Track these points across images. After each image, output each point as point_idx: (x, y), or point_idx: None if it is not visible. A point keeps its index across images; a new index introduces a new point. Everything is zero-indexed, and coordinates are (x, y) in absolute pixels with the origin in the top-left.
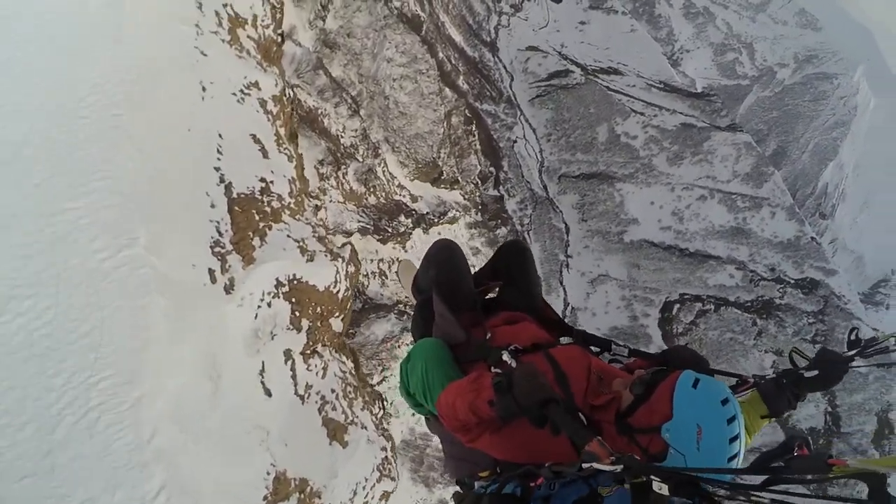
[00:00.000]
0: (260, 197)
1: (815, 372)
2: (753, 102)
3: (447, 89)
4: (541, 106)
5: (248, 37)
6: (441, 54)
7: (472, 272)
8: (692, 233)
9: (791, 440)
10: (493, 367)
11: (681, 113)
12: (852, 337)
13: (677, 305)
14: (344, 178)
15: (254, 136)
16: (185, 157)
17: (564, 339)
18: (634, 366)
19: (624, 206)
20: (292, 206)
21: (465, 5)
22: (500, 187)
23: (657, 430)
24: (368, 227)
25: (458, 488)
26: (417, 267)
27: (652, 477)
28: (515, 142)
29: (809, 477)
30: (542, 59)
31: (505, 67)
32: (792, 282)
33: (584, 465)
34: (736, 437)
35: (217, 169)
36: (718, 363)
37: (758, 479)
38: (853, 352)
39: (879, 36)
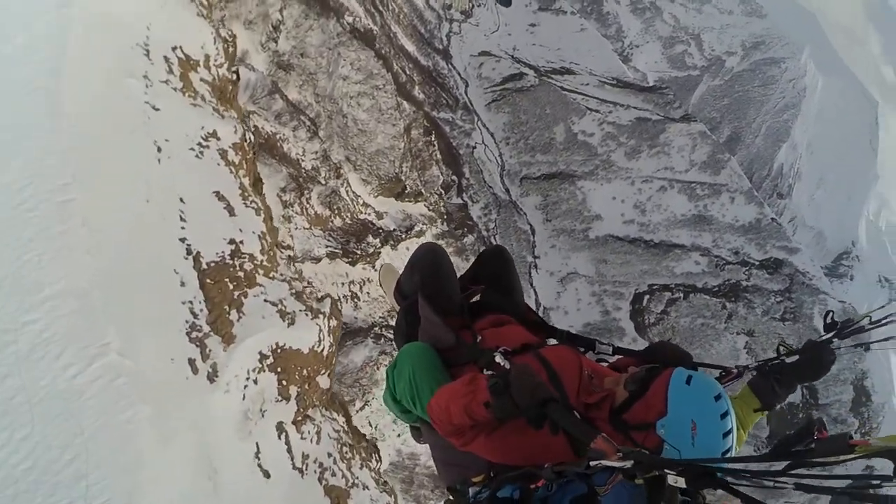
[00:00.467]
0: (231, 261)
1: (796, 357)
2: (705, 92)
3: (405, 102)
4: (497, 110)
5: (202, 80)
6: (396, 66)
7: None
8: (655, 224)
9: (810, 424)
10: (485, 370)
11: (635, 108)
12: (828, 320)
13: (647, 296)
14: (308, 203)
15: (217, 194)
16: (146, 235)
17: (550, 341)
18: (620, 363)
19: (587, 204)
20: (265, 263)
21: (415, 14)
22: (464, 194)
23: (652, 427)
24: (337, 250)
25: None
26: (398, 271)
27: (666, 470)
28: (475, 148)
29: (832, 459)
30: (495, 64)
31: (459, 74)
32: (756, 263)
33: (592, 463)
34: (729, 432)
35: (183, 240)
36: (693, 349)
37: (778, 466)
38: (830, 334)
39: (822, 18)
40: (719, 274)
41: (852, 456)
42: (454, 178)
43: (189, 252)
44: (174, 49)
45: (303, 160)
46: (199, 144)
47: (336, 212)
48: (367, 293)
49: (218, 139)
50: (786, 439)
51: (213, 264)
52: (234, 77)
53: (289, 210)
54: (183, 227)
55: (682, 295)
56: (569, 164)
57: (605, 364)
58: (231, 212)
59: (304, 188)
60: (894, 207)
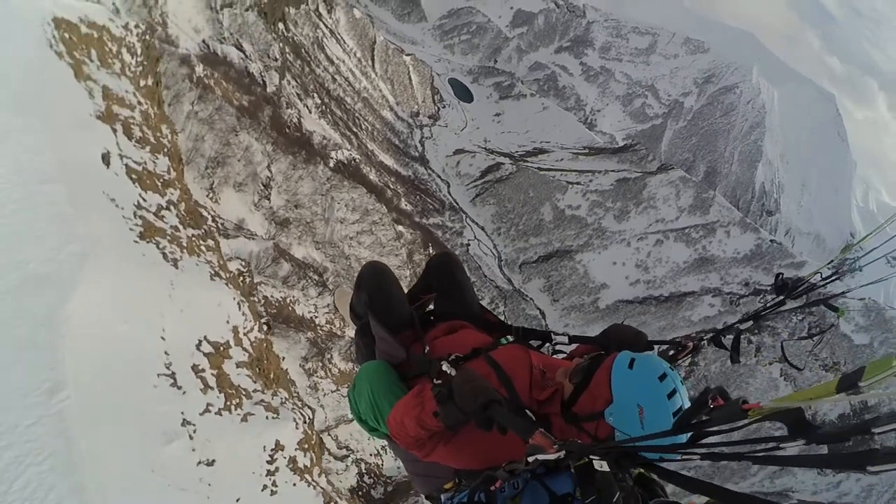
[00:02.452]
0: None
1: (750, 322)
2: (672, 136)
3: (402, 228)
4: (483, 203)
5: (238, 365)
6: (380, 183)
7: (407, 289)
8: (661, 278)
9: (704, 393)
10: (434, 379)
11: (612, 171)
12: (778, 282)
13: (671, 352)
14: (330, 363)
15: None
16: None
17: (505, 340)
18: (577, 352)
19: (589, 275)
20: None
21: (388, 128)
22: None
23: (601, 416)
24: None
25: None
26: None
27: (591, 456)
28: (469, 245)
29: (730, 426)
30: (471, 160)
31: (439, 176)
32: (769, 289)
33: (530, 459)
34: (679, 410)
35: None
36: (730, 390)
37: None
38: (783, 295)
39: (760, 33)
40: (736, 310)
41: (747, 421)
42: None
43: None
44: (199, 345)
45: (316, 318)
46: (268, 472)
47: None
48: (333, 303)
49: (282, 449)
50: (686, 412)
51: None
52: (267, 328)
53: (314, 378)
54: None
55: (705, 341)
56: (563, 241)
57: (563, 356)
58: None
59: (324, 350)
60: (879, 187)
